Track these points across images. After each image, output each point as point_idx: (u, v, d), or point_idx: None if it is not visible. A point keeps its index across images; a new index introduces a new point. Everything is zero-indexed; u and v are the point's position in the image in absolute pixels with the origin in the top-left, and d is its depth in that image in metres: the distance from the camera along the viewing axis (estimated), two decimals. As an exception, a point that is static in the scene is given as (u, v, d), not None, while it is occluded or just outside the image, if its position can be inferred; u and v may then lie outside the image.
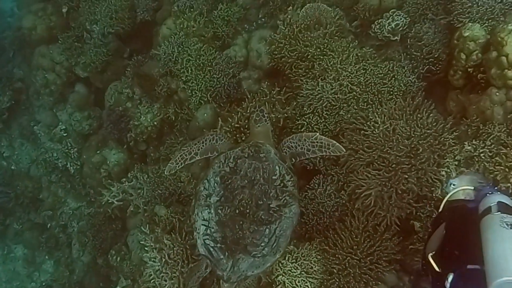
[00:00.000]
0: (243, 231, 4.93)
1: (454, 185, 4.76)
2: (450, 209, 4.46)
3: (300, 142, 5.42)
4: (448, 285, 3.51)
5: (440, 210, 4.53)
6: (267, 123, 5.67)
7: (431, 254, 3.96)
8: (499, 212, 3.70)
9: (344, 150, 5.39)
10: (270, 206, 4.99)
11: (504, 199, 4.00)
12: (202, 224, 5.13)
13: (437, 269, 3.82)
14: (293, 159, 5.47)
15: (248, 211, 4.96)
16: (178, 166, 5.81)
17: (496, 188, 4.77)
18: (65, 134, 9.98)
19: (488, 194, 4.20)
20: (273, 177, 5.09)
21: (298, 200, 5.22)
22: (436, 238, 4.14)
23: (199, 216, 5.16)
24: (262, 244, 4.93)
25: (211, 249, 5.06)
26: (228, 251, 4.99)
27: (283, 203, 5.03)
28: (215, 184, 5.18)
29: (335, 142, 5.35)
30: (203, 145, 5.70)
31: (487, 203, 3.92)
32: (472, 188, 4.65)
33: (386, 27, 6.31)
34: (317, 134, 5.45)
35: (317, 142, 5.38)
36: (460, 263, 3.56)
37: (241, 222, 4.95)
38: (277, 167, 5.16)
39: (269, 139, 5.63)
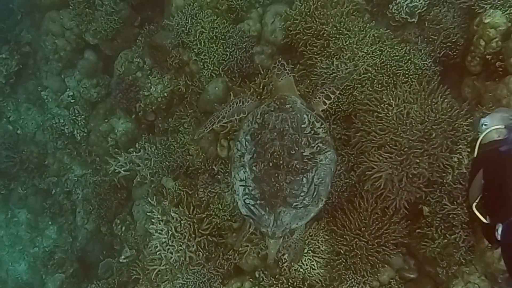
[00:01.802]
0: (279, 183, 4.85)
1: (485, 124, 4.45)
2: (485, 154, 4.15)
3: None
4: (499, 237, 3.39)
5: (475, 155, 4.19)
6: (290, 75, 5.58)
7: (475, 204, 3.82)
8: None
9: None
10: (303, 154, 4.90)
11: None
12: (240, 185, 5.09)
13: (484, 220, 3.69)
14: (326, 102, 5.39)
15: (281, 162, 4.87)
16: (207, 130, 5.80)
17: None
18: (72, 101, 9.97)
19: None
20: (302, 126, 5.01)
21: (333, 147, 5.10)
22: (476, 186, 3.93)
23: (236, 178, 5.14)
24: (302, 194, 4.85)
25: (252, 208, 5.02)
26: (268, 206, 4.92)
27: (317, 150, 4.94)
28: (246, 142, 5.14)
29: None
30: (230, 108, 5.67)
31: None
32: (503, 126, 4.40)
33: (404, 8, 6.29)
34: None
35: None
36: (506, 213, 3.40)
37: (276, 175, 4.88)
38: (305, 116, 5.08)
39: (293, 90, 5.56)
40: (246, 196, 5.02)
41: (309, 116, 5.06)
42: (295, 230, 5.07)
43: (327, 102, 5.37)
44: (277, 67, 5.54)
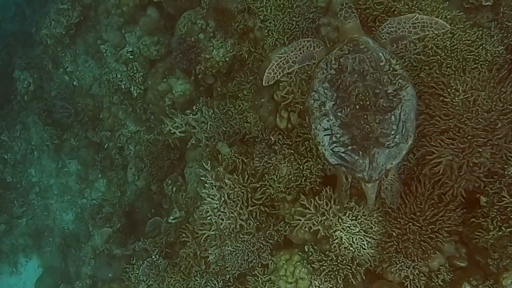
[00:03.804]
0: (369, 124, 4.95)
1: None
2: None
3: (400, 25, 5.44)
4: None
5: None
6: (357, 18, 5.65)
7: None
8: None
9: (448, 26, 5.38)
10: (387, 92, 4.99)
11: None
12: (325, 135, 5.15)
13: None
14: (394, 44, 5.49)
15: (368, 102, 4.96)
16: (277, 76, 5.77)
17: None
18: (131, 57, 10.29)
19: None
20: (381, 64, 5.10)
21: (411, 82, 5.19)
22: None
23: (318, 129, 5.18)
24: (392, 133, 4.95)
25: (343, 155, 5.11)
26: (361, 149, 5.02)
27: (399, 86, 5.03)
28: (325, 90, 5.19)
29: (437, 19, 5.37)
30: (300, 53, 5.68)
31: None
32: None
33: (480, -10, 6.30)
34: (417, 14, 5.46)
35: (419, 22, 5.39)
36: None
37: (365, 116, 4.97)
38: (380, 54, 5.17)
39: (362, 32, 5.63)
40: (334, 144, 5.12)
41: (384, 54, 5.17)
42: (389, 170, 5.17)
43: (394, 45, 5.50)
44: (345, 9, 5.60)
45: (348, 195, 5.57)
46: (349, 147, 5.06)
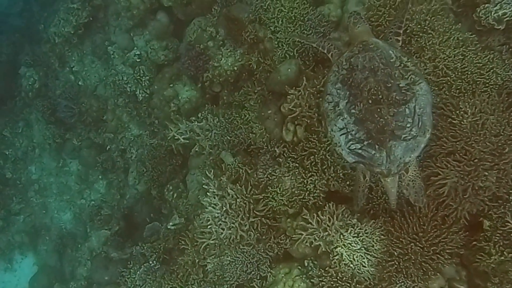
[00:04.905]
0: (384, 117, 5.01)
1: None
2: None
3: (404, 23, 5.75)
4: None
5: None
6: (366, 23, 5.84)
7: None
8: None
9: None
10: (399, 86, 5.07)
11: None
12: (341, 134, 5.25)
13: None
14: (398, 38, 5.69)
15: (381, 96, 5.04)
16: (307, 41, 6.41)
17: None
18: (138, 60, 10.34)
19: None
20: (391, 60, 5.20)
21: (424, 78, 5.28)
22: None
23: (334, 130, 5.30)
24: (408, 125, 5.01)
25: (360, 151, 5.18)
26: (377, 143, 5.07)
27: (411, 81, 5.11)
28: (338, 90, 5.32)
29: None
30: (323, 43, 6.08)
31: None
32: None
33: (492, 14, 6.29)
34: None
35: None
36: None
37: (378, 110, 5.03)
38: (391, 51, 5.29)
39: (371, 35, 5.77)
40: (351, 142, 5.21)
41: (394, 51, 5.29)
42: (409, 165, 5.19)
43: (399, 38, 5.67)
44: (353, 16, 5.83)
45: (365, 196, 5.63)
46: (365, 142, 5.14)
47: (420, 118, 5.03)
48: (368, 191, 5.71)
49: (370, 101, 5.08)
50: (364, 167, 5.27)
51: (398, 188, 5.32)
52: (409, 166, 5.20)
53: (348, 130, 5.19)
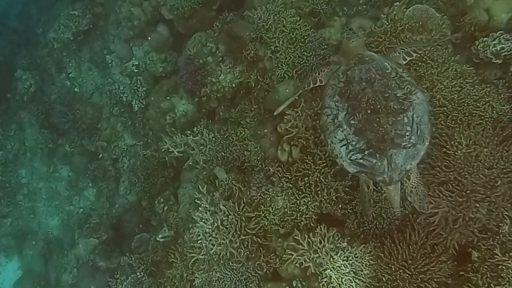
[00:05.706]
0: (383, 126, 5.10)
1: None
2: None
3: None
4: None
5: None
6: (359, 37, 5.93)
7: None
8: None
9: None
10: (397, 95, 5.17)
11: None
12: (341, 146, 5.33)
13: None
14: (406, 58, 5.78)
15: (379, 106, 5.14)
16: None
17: None
18: (136, 71, 10.35)
19: None
20: (387, 71, 5.32)
21: (420, 88, 5.38)
22: None
23: (334, 142, 5.37)
24: (407, 134, 5.10)
25: (361, 161, 5.25)
26: (378, 152, 5.15)
27: (408, 91, 5.21)
28: (336, 103, 5.41)
29: None
30: (307, 81, 6.19)
31: None
32: None
33: (490, 48, 6.40)
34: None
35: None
36: None
37: (377, 119, 5.13)
38: (386, 63, 5.42)
39: (366, 49, 5.93)
40: (351, 153, 5.28)
41: (389, 63, 5.43)
42: (410, 172, 5.25)
43: (407, 58, 5.76)
44: (346, 32, 5.94)
45: (372, 204, 5.76)
46: (366, 152, 5.21)
47: (419, 127, 5.14)
48: (374, 202, 5.91)
49: (368, 111, 5.18)
50: (366, 177, 5.35)
51: (401, 196, 5.41)
52: (411, 173, 5.29)
53: (348, 141, 5.28)
